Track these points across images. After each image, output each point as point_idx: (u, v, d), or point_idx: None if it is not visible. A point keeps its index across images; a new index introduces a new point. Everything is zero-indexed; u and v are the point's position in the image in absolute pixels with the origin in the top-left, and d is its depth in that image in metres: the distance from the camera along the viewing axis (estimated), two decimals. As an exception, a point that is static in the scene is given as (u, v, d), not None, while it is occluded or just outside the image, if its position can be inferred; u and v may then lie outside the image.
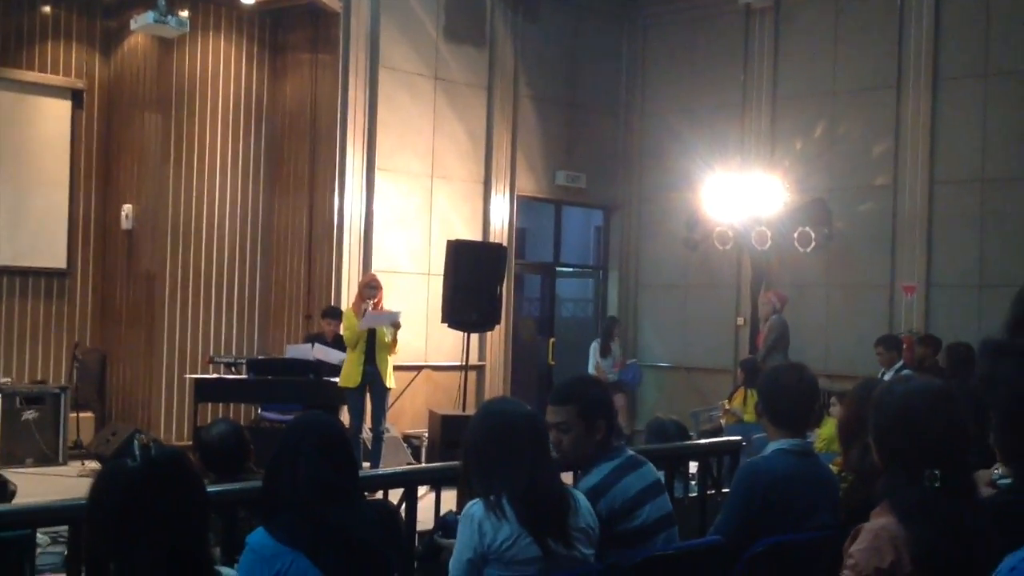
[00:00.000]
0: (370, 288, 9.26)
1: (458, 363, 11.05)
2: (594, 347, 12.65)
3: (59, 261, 11.68)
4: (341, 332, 9.46)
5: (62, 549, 4.93)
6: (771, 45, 12.57)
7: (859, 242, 11.79)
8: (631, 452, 3.75)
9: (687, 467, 5.95)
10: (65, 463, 10.23)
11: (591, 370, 12.78)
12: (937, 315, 11.12)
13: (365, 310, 9.07)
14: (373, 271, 10.63)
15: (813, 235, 11.50)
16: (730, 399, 10.63)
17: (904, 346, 10.33)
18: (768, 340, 11.12)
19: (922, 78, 11.41)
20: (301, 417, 3.33)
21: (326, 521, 2.85)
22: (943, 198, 11.31)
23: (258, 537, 2.85)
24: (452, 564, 3.13)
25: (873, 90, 11.79)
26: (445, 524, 3.61)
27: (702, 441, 6.87)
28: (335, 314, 10.01)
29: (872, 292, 11.68)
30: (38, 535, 3.86)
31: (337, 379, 9.27)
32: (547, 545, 3.07)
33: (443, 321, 10.58)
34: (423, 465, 9.29)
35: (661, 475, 4.09)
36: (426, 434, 10.67)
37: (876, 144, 11.77)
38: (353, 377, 9.08)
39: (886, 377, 8.60)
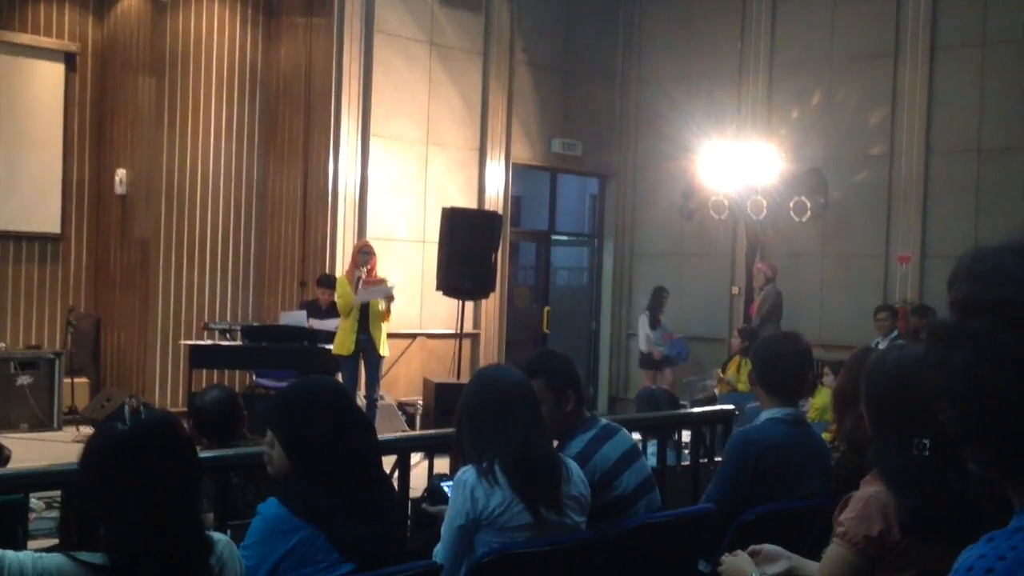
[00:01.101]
0: (363, 254, 9.23)
1: (453, 331, 11.05)
2: (643, 320, 12.39)
3: (53, 225, 11.64)
4: (335, 300, 9.46)
5: (56, 514, 4.95)
6: (768, 12, 12.49)
7: (855, 211, 11.78)
8: (605, 421, 3.79)
9: (680, 436, 5.97)
10: (60, 428, 10.24)
11: (641, 344, 12.46)
12: (932, 285, 11.13)
13: (359, 279, 9.05)
14: (367, 238, 10.61)
15: (809, 204, 11.49)
16: (724, 368, 10.66)
17: (899, 316, 10.37)
18: (762, 310, 11.14)
19: (919, 46, 11.36)
20: (311, 382, 3.16)
21: (345, 494, 2.74)
22: (939, 167, 11.30)
23: (272, 508, 2.70)
24: (444, 529, 3.14)
25: (870, 58, 11.74)
26: (433, 491, 3.62)
27: (695, 410, 6.90)
28: (330, 282, 10.00)
29: (867, 262, 11.68)
30: (32, 500, 3.87)
31: (331, 346, 9.28)
32: (539, 512, 3.09)
33: (438, 289, 10.58)
34: (417, 432, 9.32)
35: (637, 439, 4.12)
36: (420, 402, 10.69)
37: (873, 113, 11.73)
38: (347, 345, 9.08)
39: (881, 346, 8.62)
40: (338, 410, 2.86)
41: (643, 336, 12.37)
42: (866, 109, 11.78)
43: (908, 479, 2.46)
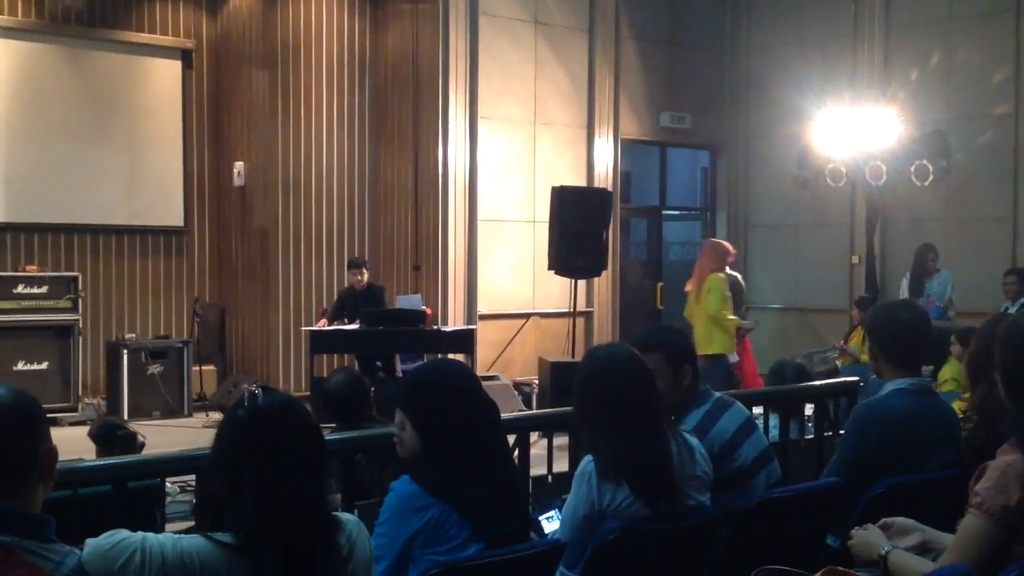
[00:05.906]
0: (731, 257, 9.33)
1: (566, 310, 11.05)
2: (903, 286, 10.83)
3: (176, 219, 12.01)
4: (712, 301, 8.64)
5: (190, 497, 5.12)
6: (882, -29, 12.12)
7: (979, 174, 11.38)
8: (718, 395, 3.74)
9: (803, 409, 5.87)
10: (190, 415, 10.59)
11: None
12: (1063, 247, 10.70)
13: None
14: (479, 220, 10.67)
15: (931, 168, 11.11)
16: (847, 339, 10.42)
17: (1029, 280, 9.99)
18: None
19: (1045, -1, 10.90)
20: (440, 364, 3.25)
21: (475, 473, 2.75)
22: (1069, 125, 10.84)
23: (406, 485, 2.73)
24: (565, 516, 3.12)
25: (991, 15, 11.30)
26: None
27: (818, 383, 6.75)
28: (359, 264, 10.29)
29: (993, 225, 11.29)
30: (167, 484, 4.01)
31: (447, 327, 9.39)
32: (659, 507, 3.05)
33: (550, 268, 10.57)
34: (534, 411, 9.35)
35: (759, 413, 4.04)
36: (536, 381, 10.72)
37: (995, 72, 11.30)
38: (733, 344, 8.87)
39: (1011, 311, 8.32)
40: (467, 391, 2.90)
41: None
42: (988, 68, 11.36)
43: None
